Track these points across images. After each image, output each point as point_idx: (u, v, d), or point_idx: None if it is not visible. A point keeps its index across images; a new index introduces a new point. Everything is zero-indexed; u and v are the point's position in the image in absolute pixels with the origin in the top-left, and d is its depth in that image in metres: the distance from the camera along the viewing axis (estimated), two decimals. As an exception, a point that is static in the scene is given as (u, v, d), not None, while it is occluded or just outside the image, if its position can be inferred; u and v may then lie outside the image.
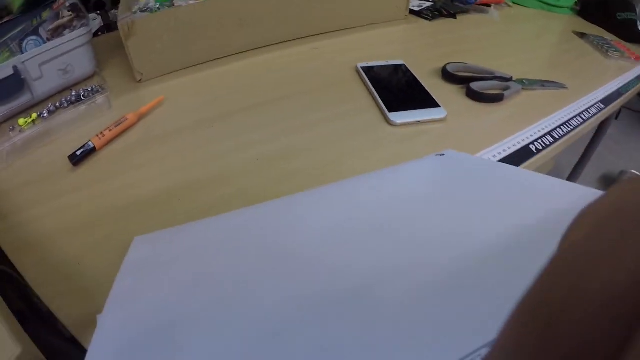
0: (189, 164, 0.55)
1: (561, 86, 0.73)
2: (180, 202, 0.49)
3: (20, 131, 0.67)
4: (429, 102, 0.63)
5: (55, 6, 0.76)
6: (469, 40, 0.86)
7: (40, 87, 0.77)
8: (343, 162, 0.54)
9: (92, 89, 0.75)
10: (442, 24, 0.91)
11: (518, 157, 0.57)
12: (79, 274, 0.41)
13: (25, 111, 0.75)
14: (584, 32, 0.93)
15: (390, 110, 0.61)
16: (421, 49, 0.79)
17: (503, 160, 0.56)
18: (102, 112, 0.71)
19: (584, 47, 0.88)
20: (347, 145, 0.57)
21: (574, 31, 0.93)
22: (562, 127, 0.64)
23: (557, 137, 0.61)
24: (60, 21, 0.79)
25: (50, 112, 0.72)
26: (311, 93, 0.68)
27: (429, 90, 0.66)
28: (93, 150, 0.60)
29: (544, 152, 0.59)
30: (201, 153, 0.57)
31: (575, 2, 1.01)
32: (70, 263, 0.42)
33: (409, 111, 0.61)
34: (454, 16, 0.92)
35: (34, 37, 0.76)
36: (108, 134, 0.61)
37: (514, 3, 1.04)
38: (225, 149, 0.57)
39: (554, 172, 1.68)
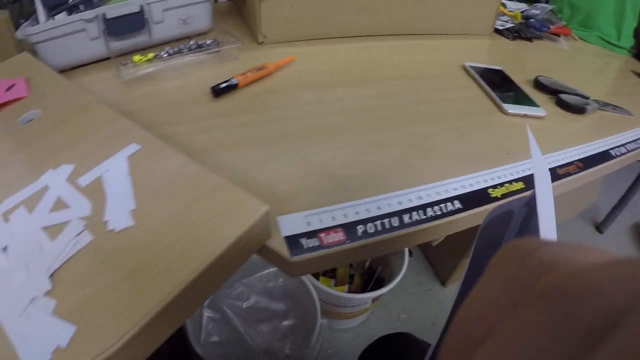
0: (317, 114, 0.65)
1: (628, 112, 0.85)
2: (307, 144, 0.58)
3: (133, 66, 0.76)
4: (529, 102, 0.75)
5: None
6: (544, 61, 0.98)
7: (159, 31, 0.84)
8: (466, 132, 0.65)
9: (212, 42, 0.82)
10: (521, 45, 1.03)
11: (599, 158, 0.66)
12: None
13: (140, 50, 0.82)
14: (640, 72, 1.06)
15: (502, 102, 0.72)
16: (508, 62, 0.90)
17: (586, 159, 0.66)
18: (225, 62, 0.80)
19: (640, 86, 1.00)
20: (468, 121, 0.68)
21: (632, 70, 1.06)
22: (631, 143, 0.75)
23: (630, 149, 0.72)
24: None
25: (169, 54, 0.80)
26: (428, 78, 0.80)
27: (528, 94, 0.77)
28: (235, 86, 0.69)
29: (621, 158, 0.69)
30: (328, 108, 0.67)
31: (632, 46, 1.16)
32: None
33: (518, 105, 0.72)
34: (529, 39, 1.05)
35: (162, -17, 0.81)
36: (250, 76, 0.71)
37: (579, 37, 1.17)
38: (356, 107, 0.68)
39: (593, 207, 1.77)
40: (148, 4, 0.79)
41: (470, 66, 0.83)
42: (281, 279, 1.14)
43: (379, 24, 0.93)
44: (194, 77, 0.73)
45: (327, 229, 0.45)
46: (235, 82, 0.68)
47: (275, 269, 1.05)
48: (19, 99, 0.61)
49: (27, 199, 0.43)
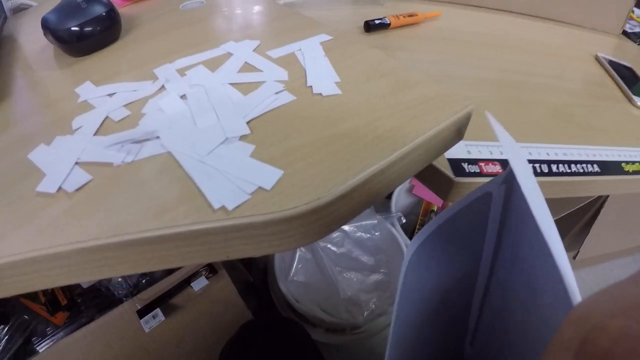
0: (461, 64, 0.69)
1: None
2: (454, 86, 0.62)
3: None
4: None
5: None
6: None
7: None
8: (600, 111, 0.67)
9: None
10: (646, 51, 1.02)
11: None
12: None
13: None
14: None
15: (633, 94, 0.72)
16: (634, 62, 0.89)
17: None
18: (371, 6, 0.84)
19: None
20: (600, 102, 0.70)
21: None
22: None
23: None
24: None
25: None
26: (562, 58, 0.83)
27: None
28: (387, 25, 0.73)
29: None
30: (472, 61, 0.71)
31: None
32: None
33: None
34: (656, 47, 1.04)
35: None
36: (402, 19, 0.74)
37: None
38: (500, 68, 0.71)
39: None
40: None
41: (603, 57, 0.84)
42: (378, 233, 1.17)
43: (517, 1, 0.95)
44: (342, 13, 0.78)
45: (486, 160, 0.49)
46: (387, 22, 0.72)
47: (374, 221, 1.08)
48: None
49: (207, 61, 0.44)
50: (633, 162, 0.57)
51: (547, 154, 0.53)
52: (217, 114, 0.36)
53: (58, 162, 0.33)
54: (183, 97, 0.39)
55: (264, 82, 0.40)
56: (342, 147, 0.32)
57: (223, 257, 0.30)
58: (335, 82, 0.40)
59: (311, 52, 0.45)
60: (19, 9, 0.71)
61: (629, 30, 1.06)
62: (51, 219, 0.29)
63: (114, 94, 0.41)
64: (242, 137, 0.33)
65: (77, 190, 0.31)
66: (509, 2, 0.95)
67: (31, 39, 0.57)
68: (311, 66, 0.43)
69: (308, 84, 0.40)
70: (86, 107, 0.40)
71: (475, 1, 0.94)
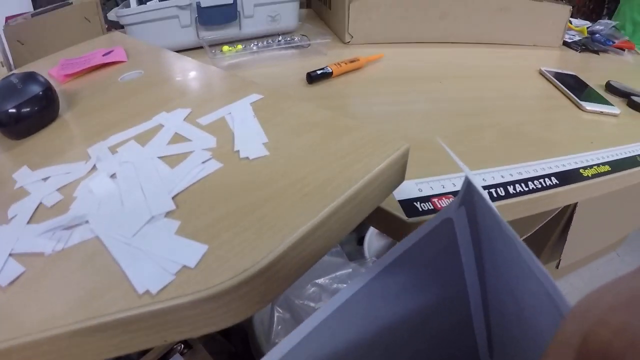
0: (411, 102, 0.69)
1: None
2: (407, 124, 0.62)
3: (222, 55, 0.81)
4: (604, 101, 0.76)
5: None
6: (612, 70, 0.99)
7: (248, 25, 0.89)
8: (551, 123, 0.67)
9: (300, 39, 0.88)
10: (588, 56, 1.05)
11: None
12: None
13: (228, 43, 0.86)
14: None
15: (580, 100, 0.73)
16: (578, 70, 0.91)
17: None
18: (313, 57, 0.84)
19: None
20: (550, 114, 0.71)
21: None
22: None
23: None
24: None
25: (259, 47, 0.85)
26: (507, 78, 0.84)
27: (601, 95, 0.79)
28: (329, 74, 0.73)
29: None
30: (421, 97, 0.71)
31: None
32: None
33: (595, 103, 0.74)
34: (596, 52, 1.06)
35: (255, -20, 0.85)
36: (344, 66, 0.75)
37: (643, 53, 1.17)
38: (447, 98, 0.71)
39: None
40: None
41: (547, 70, 0.86)
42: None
43: (458, 32, 0.98)
44: (284, 68, 0.78)
45: (439, 195, 0.48)
46: (329, 71, 0.72)
47: (348, 270, 1.06)
48: (119, 62, 0.64)
49: (139, 135, 0.44)
50: (590, 166, 0.57)
51: (502, 176, 0.52)
52: (144, 191, 0.35)
53: (-8, 254, 0.32)
54: (113, 176, 0.38)
55: (192, 152, 0.39)
56: (268, 211, 0.31)
57: (160, 341, 0.28)
58: (263, 143, 0.39)
59: (241, 114, 0.44)
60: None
61: (569, 40, 1.09)
62: (-16, 316, 0.27)
63: (48, 177, 0.40)
64: (168, 214, 0.32)
65: (10, 284, 0.29)
66: (448, 34, 0.98)
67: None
68: (239, 129, 0.42)
69: (235, 149, 0.39)
70: (22, 193, 0.39)
71: (414, 38, 0.96)
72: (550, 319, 0.19)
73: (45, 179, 0.40)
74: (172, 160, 0.39)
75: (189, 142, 0.41)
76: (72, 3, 0.91)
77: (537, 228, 0.82)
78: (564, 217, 0.85)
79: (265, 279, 0.28)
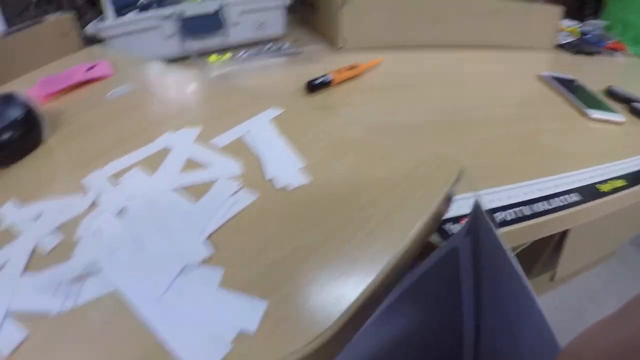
0: (416, 111, 0.67)
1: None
2: (414, 135, 0.60)
3: (210, 65, 0.78)
4: (608, 108, 0.75)
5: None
6: (608, 74, 1.00)
7: (235, 33, 0.87)
8: (559, 136, 0.66)
9: (290, 46, 0.85)
10: (582, 59, 1.05)
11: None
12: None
13: (218, 52, 0.84)
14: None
15: (585, 107, 0.72)
16: (574, 73, 0.91)
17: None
18: (307, 65, 0.81)
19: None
20: (556, 123, 0.70)
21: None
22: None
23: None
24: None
25: (248, 56, 0.83)
26: (506, 86, 0.82)
27: (603, 101, 0.78)
28: (329, 83, 0.70)
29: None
30: (424, 107, 0.69)
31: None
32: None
33: (599, 110, 0.73)
34: (590, 54, 1.07)
35: (240, -14, 0.83)
36: (344, 73, 0.72)
37: (635, 54, 1.18)
38: (451, 108, 0.69)
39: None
40: (227, 5, 0.81)
41: (547, 75, 0.86)
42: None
43: (452, 35, 0.96)
44: (279, 77, 0.75)
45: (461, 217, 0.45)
46: (330, 78, 0.70)
47: None
48: (104, 77, 0.60)
49: (143, 161, 0.39)
50: (606, 181, 0.56)
51: (524, 193, 0.51)
52: (167, 232, 0.30)
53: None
54: (121, 212, 0.33)
55: (214, 181, 0.35)
56: (330, 254, 0.27)
57: None
58: (299, 169, 0.35)
59: (262, 133, 0.40)
60: None
61: (563, 42, 1.09)
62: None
63: (40, 214, 0.35)
64: (205, 260, 0.28)
65: (13, 352, 0.25)
66: (442, 37, 0.96)
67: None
68: (266, 152, 0.38)
69: (268, 177, 0.35)
70: (10, 234, 0.33)
71: (408, 42, 0.93)
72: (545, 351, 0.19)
73: (36, 217, 0.35)
74: (192, 192, 0.34)
75: (208, 169, 0.37)
76: (44, 21, 0.86)
77: (532, 240, 0.81)
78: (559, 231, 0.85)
79: (342, 338, 0.24)
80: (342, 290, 0.24)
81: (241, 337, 0.22)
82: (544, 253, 0.94)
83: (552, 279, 0.99)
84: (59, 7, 1.06)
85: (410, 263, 0.30)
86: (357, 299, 0.24)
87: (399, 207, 0.30)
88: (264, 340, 0.22)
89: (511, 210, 0.47)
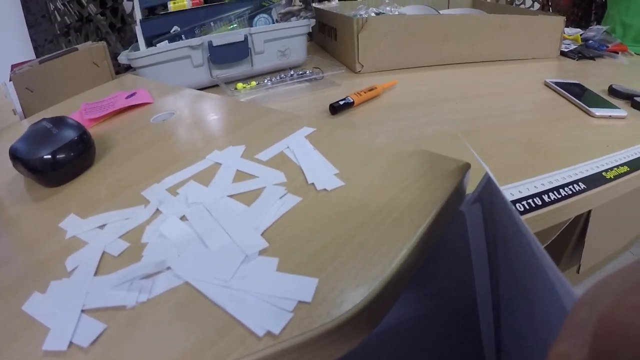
0: (433, 123, 0.73)
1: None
2: (434, 145, 0.64)
3: (237, 93, 0.83)
4: (610, 105, 0.80)
5: (292, -7, 0.85)
6: (610, 75, 1.04)
7: (260, 61, 0.92)
8: (566, 131, 0.71)
9: (312, 72, 0.91)
10: (585, 63, 1.11)
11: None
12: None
13: (241, 80, 0.89)
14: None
15: (589, 107, 0.77)
16: (579, 77, 0.96)
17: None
18: (328, 89, 0.87)
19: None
20: (563, 123, 0.75)
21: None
22: None
23: None
24: (291, 8, 0.96)
25: (273, 82, 0.87)
26: (515, 94, 0.89)
27: (606, 99, 0.83)
28: (351, 104, 0.76)
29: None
30: (441, 118, 0.75)
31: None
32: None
33: (602, 108, 0.78)
34: (592, 58, 1.12)
35: (265, 15, 0.89)
36: (364, 95, 0.78)
37: (635, 53, 1.22)
38: (464, 118, 0.75)
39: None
40: (252, 34, 0.85)
41: (551, 81, 0.91)
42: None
43: (462, 53, 1.04)
44: (303, 101, 0.81)
45: None
46: (351, 101, 0.76)
47: None
48: (145, 104, 0.65)
49: (197, 175, 0.44)
50: (611, 168, 0.61)
51: (535, 187, 0.56)
52: (227, 231, 0.35)
53: (61, 312, 0.29)
54: (183, 218, 0.38)
55: (263, 187, 0.41)
56: (365, 238, 0.33)
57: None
58: (335, 174, 0.41)
59: (300, 147, 0.47)
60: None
61: (566, 50, 1.14)
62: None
63: (104, 225, 0.39)
64: (262, 252, 0.32)
65: (93, 343, 0.27)
66: (453, 55, 1.04)
67: (-3, 171, 0.54)
68: (305, 162, 0.44)
69: (309, 182, 0.41)
70: (76, 243, 0.37)
71: (421, 62, 1.02)
72: (562, 316, 0.19)
73: (101, 226, 0.39)
74: (244, 198, 0.40)
75: (257, 178, 0.43)
76: (77, 49, 0.91)
77: (554, 237, 0.85)
78: (580, 223, 0.89)
79: (380, 302, 0.29)
80: (376, 265, 0.30)
81: (299, 306, 0.27)
82: (567, 248, 0.97)
83: (578, 271, 1.02)
84: (85, 37, 1.12)
85: (434, 238, 0.36)
86: (392, 269, 0.29)
87: (418, 198, 0.36)
88: (319, 307, 0.27)
89: (524, 202, 0.53)
